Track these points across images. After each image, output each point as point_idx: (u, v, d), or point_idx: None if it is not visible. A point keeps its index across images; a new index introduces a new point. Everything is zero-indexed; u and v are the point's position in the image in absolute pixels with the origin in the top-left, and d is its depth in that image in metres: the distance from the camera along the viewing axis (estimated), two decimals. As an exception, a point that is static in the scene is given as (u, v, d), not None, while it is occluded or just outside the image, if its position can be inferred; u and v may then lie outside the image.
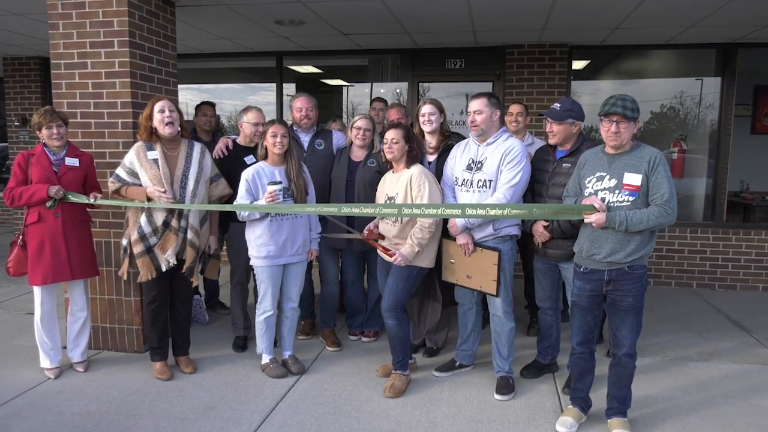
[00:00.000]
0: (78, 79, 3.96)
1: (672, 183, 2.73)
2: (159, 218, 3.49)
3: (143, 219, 3.49)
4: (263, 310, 3.70)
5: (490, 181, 3.37)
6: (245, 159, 3.99)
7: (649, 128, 6.45)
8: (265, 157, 3.63)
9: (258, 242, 3.60)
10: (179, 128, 3.55)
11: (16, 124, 7.83)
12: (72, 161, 3.62)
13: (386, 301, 3.49)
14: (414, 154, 3.49)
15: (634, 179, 2.74)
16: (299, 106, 4.22)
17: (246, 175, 3.55)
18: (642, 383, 3.53)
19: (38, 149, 3.57)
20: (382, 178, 3.69)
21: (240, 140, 4.15)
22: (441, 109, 3.81)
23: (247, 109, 4.14)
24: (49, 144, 3.55)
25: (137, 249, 3.51)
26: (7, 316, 4.90)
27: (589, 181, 2.89)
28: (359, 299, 4.43)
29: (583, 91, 6.52)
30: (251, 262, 3.68)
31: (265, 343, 3.76)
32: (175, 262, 3.55)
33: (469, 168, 3.46)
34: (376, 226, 3.62)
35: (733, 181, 6.22)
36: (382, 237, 3.59)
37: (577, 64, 6.41)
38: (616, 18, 5.00)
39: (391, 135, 3.45)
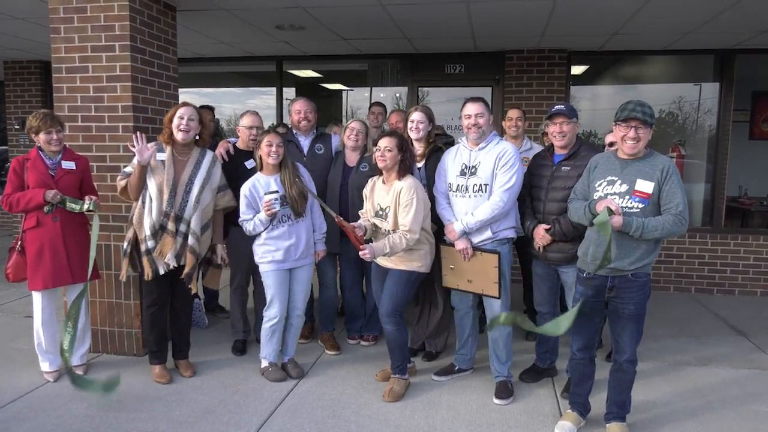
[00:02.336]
0: (79, 82, 3.98)
1: (684, 193, 2.73)
2: (157, 222, 3.47)
3: (147, 220, 3.47)
4: (269, 318, 3.68)
5: (486, 185, 3.39)
6: (245, 163, 4.00)
7: (648, 133, 6.46)
8: (262, 168, 3.64)
9: (262, 249, 3.62)
10: (195, 137, 3.60)
11: (16, 127, 7.84)
12: (68, 164, 3.60)
13: (385, 307, 3.48)
14: (407, 165, 3.44)
15: (646, 186, 2.74)
16: (298, 109, 4.23)
17: (243, 190, 3.58)
18: (640, 388, 3.53)
19: (33, 154, 3.53)
20: (372, 184, 3.62)
21: (239, 144, 4.17)
22: (431, 118, 3.82)
23: (243, 114, 4.16)
24: (46, 149, 3.53)
25: (143, 247, 3.51)
26: (5, 320, 4.90)
27: (600, 185, 2.89)
28: (358, 303, 4.43)
29: (582, 96, 6.55)
30: (260, 269, 3.68)
31: (269, 349, 3.76)
32: (176, 265, 3.53)
33: (462, 173, 3.47)
34: (361, 227, 3.52)
35: (731, 187, 6.24)
36: (362, 233, 3.49)
37: (576, 70, 6.44)
38: (615, 24, 5.03)
39: (384, 143, 3.40)
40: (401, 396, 3.52)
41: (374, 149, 3.47)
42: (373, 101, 5.48)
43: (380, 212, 3.51)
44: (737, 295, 6.08)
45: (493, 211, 3.33)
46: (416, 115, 3.77)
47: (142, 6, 3.97)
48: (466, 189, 3.44)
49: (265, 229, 3.58)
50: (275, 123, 6.93)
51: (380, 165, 3.44)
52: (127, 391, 3.56)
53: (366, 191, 3.65)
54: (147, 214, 3.47)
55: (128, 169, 3.51)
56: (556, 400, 3.49)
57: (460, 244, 3.44)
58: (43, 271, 3.50)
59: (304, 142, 4.27)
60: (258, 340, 4.30)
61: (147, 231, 3.47)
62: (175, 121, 3.49)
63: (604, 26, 5.12)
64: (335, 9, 4.68)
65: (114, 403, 3.39)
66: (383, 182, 3.53)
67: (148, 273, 3.52)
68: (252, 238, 3.72)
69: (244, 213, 3.58)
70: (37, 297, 3.59)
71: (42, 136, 3.48)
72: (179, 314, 3.79)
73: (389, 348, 3.57)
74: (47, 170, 3.52)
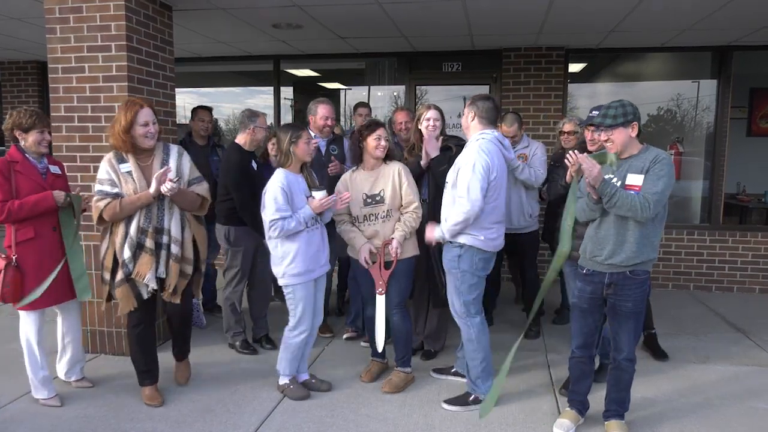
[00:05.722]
0: (75, 83, 3.97)
1: (667, 185, 2.69)
2: (135, 241, 3.07)
3: (127, 242, 3.06)
4: (301, 331, 3.40)
5: (448, 183, 3.30)
6: (252, 163, 4.05)
7: (646, 131, 6.46)
8: (289, 164, 3.36)
9: (291, 258, 3.28)
10: None
11: (13, 128, 7.82)
12: (54, 169, 3.34)
13: (395, 300, 3.55)
14: (392, 150, 3.62)
15: (636, 180, 2.74)
16: (326, 115, 4.22)
17: (281, 184, 3.23)
18: (639, 385, 3.53)
19: (18, 156, 3.18)
20: (350, 178, 3.57)
21: (246, 145, 4.08)
22: (443, 116, 3.86)
23: (259, 114, 4.12)
24: (36, 150, 3.22)
25: (118, 276, 3.09)
26: (3, 321, 4.89)
27: None
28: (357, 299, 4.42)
29: (580, 94, 6.54)
30: (283, 282, 3.34)
31: (294, 365, 3.51)
32: (156, 286, 3.15)
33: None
34: (378, 253, 3.49)
35: (729, 184, 6.24)
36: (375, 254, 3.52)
37: (574, 67, 6.43)
38: (612, 21, 5.02)
39: (383, 132, 3.47)
40: (401, 389, 3.54)
41: (374, 139, 3.45)
42: (357, 102, 5.44)
43: (369, 200, 3.50)
44: (736, 292, 6.08)
45: (450, 218, 3.19)
46: (432, 113, 3.78)
47: (138, 6, 3.96)
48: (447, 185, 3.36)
49: (300, 231, 3.29)
50: (273, 123, 6.93)
51: (380, 155, 3.49)
52: (125, 391, 3.55)
53: (339, 188, 3.57)
54: (128, 236, 3.08)
55: (108, 189, 3.06)
56: (555, 399, 3.49)
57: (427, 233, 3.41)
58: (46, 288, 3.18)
59: (321, 144, 4.31)
60: (253, 341, 4.30)
61: (126, 254, 3.06)
62: (140, 129, 3.05)
63: (600, 23, 5.11)
64: (332, 7, 4.67)
65: (113, 404, 3.39)
66: (364, 171, 3.55)
67: (130, 305, 3.13)
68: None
69: (283, 210, 3.20)
70: (32, 316, 3.28)
71: (34, 136, 3.18)
72: (180, 330, 3.47)
73: (395, 339, 3.63)
74: (40, 175, 3.23)
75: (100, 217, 3.07)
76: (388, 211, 3.48)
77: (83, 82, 3.95)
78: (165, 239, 3.16)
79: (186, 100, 7.23)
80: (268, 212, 3.22)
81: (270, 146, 4.62)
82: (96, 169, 3.90)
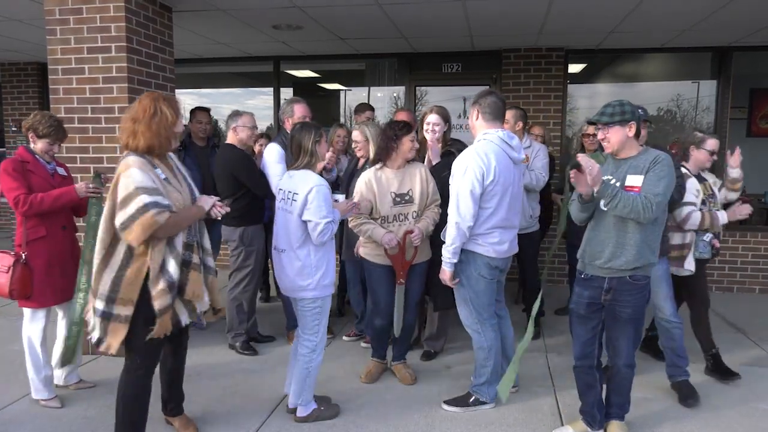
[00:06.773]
0: (75, 84, 3.98)
1: (668, 185, 2.65)
2: (181, 257, 2.61)
3: (172, 262, 2.55)
4: (323, 348, 3.18)
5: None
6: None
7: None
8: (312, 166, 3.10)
9: (325, 267, 3.05)
10: None
11: (13, 129, 7.83)
12: (61, 170, 3.40)
13: (416, 299, 3.65)
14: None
15: (635, 181, 2.72)
16: (304, 114, 4.15)
17: (325, 184, 3.00)
18: (639, 385, 3.52)
19: (28, 156, 3.25)
20: (374, 177, 3.48)
21: (238, 144, 4.10)
22: (446, 119, 3.80)
23: (242, 113, 4.12)
24: (41, 156, 3.29)
25: (162, 303, 2.50)
26: (2, 322, 4.89)
27: None
28: (359, 301, 4.42)
29: (580, 95, 6.55)
30: (313, 295, 3.04)
31: (313, 387, 3.22)
32: (205, 309, 2.76)
33: None
34: (400, 244, 3.44)
35: (729, 184, 6.23)
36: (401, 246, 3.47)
37: (574, 68, 6.44)
38: (612, 22, 5.03)
39: (414, 135, 3.51)
40: (414, 380, 3.71)
41: (410, 140, 3.45)
42: (359, 104, 5.39)
43: (398, 198, 3.47)
44: (735, 292, 6.08)
45: (446, 238, 3.13)
46: (432, 117, 3.74)
47: (137, 7, 3.97)
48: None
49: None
50: (273, 124, 6.94)
51: (412, 156, 3.52)
52: (125, 392, 3.55)
53: (362, 186, 3.48)
54: (171, 256, 2.56)
55: (161, 200, 2.47)
56: (555, 399, 3.49)
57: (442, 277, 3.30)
58: (53, 287, 3.23)
59: None
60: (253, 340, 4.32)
61: (176, 273, 2.56)
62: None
63: (600, 24, 5.12)
64: (332, 8, 4.68)
65: (113, 405, 3.38)
66: (392, 170, 3.49)
67: (164, 331, 2.56)
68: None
69: (331, 213, 3.00)
70: (39, 315, 3.30)
71: (43, 145, 3.24)
72: (173, 373, 3.01)
73: (403, 338, 3.71)
74: (50, 177, 3.29)
75: (143, 235, 2.44)
76: (419, 211, 3.50)
77: (83, 83, 3.96)
78: (202, 253, 2.79)
79: (186, 101, 7.23)
80: (320, 214, 2.90)
81: (257, 147, 4.65)
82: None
